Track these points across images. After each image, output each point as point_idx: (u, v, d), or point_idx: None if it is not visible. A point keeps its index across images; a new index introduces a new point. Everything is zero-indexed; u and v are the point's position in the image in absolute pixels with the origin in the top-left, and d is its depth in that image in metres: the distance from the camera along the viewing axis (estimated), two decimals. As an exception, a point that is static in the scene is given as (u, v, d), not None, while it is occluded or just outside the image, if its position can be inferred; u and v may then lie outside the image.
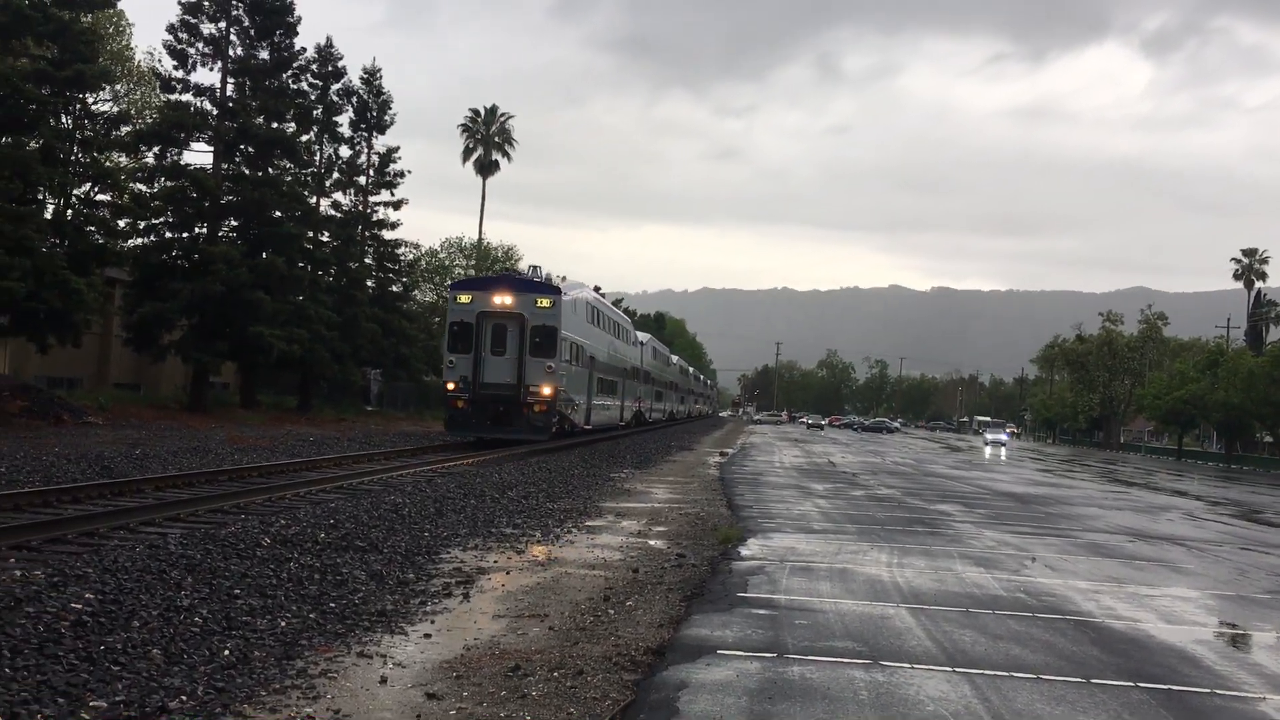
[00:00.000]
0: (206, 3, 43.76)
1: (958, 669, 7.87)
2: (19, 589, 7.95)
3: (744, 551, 13.61)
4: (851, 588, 11.24)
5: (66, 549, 10.50)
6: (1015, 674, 7.83)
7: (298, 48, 46.99)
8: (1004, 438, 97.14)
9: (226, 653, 7.12)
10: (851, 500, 22.72)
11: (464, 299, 31.44)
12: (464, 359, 30.87)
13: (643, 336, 61.58)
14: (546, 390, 30.96)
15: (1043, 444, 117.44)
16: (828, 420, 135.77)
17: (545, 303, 31.48)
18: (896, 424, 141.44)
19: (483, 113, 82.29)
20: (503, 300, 31.20)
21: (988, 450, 70.25)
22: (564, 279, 47.92)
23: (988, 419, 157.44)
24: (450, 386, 31.09)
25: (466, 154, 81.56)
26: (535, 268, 35.18)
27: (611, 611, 9.41)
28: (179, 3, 43.60)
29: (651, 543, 14.12)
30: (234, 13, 44.43)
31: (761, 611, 9.66)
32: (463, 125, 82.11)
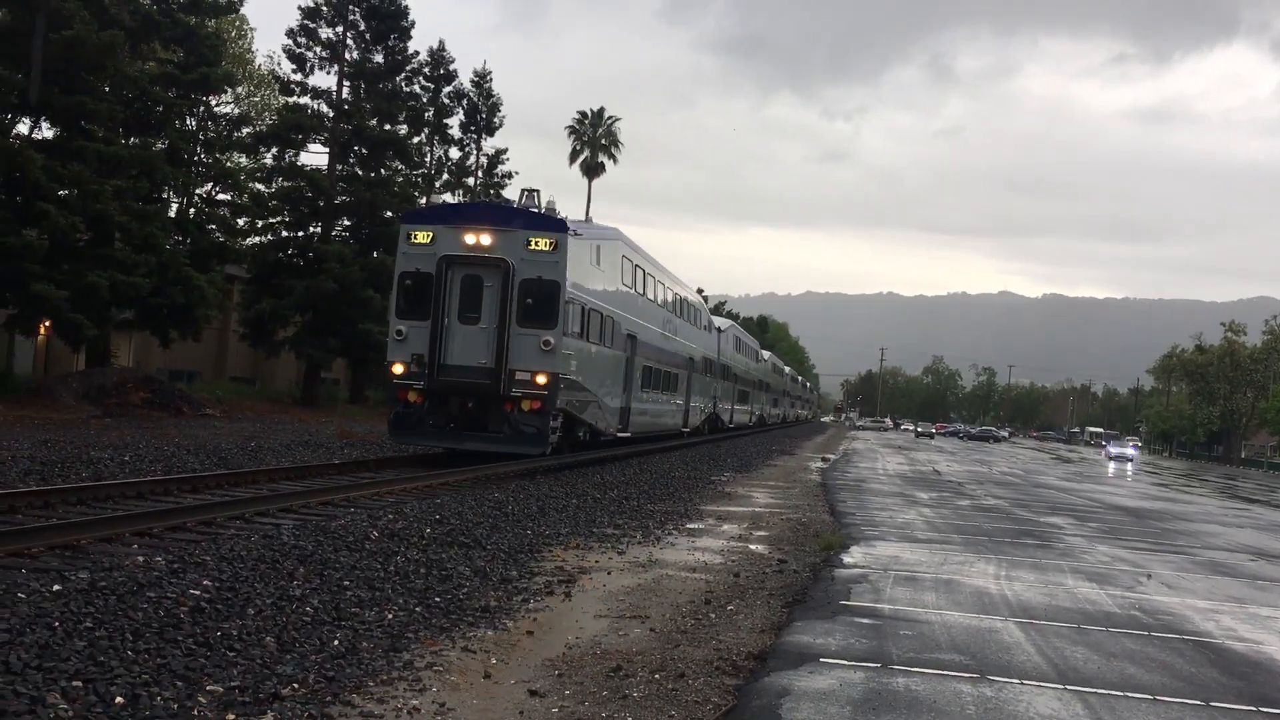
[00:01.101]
0: (324, 8, 45.00)
1: (1069, 686, 7.63)
2: (141, 574, 8.24)
3: (847, 559, 13.43)
4: (958, 599, 11.00)
5: (186, 536, 10.87)
6: (1130, 694, 7.57)
7: (411, 51, 48.07)
8: (1131, 452, 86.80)
9: (336, 643, 7.27)
10: (957, 510, 22.27)
11: (421, 237, 21.35)
12: (418, 329, 20.67)
13: (721, 322, 50.58)
14: (540, 378, 20.40)
15: (1158, 457, 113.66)
16: (935, 428, 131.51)
17: (543, 244, 20.74)
18: (1004, 433, 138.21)
19: (590, 115, 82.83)
20: (478, 239, 20.74)
21: (1111, 466, 64.67)
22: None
23: (1100, 430, 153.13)
24: (397, 370, 20.82)
25: (573, 156, 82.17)
26: (531, 192, 22.51)
27: (713, 615, 9.37)
28: (298, 8, 44.93)
29: (753, 547, 14.04)
30: (350, 18, 45.60)
31: (865, 620, 9.52)
32: (570, 128, 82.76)
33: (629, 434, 28.45)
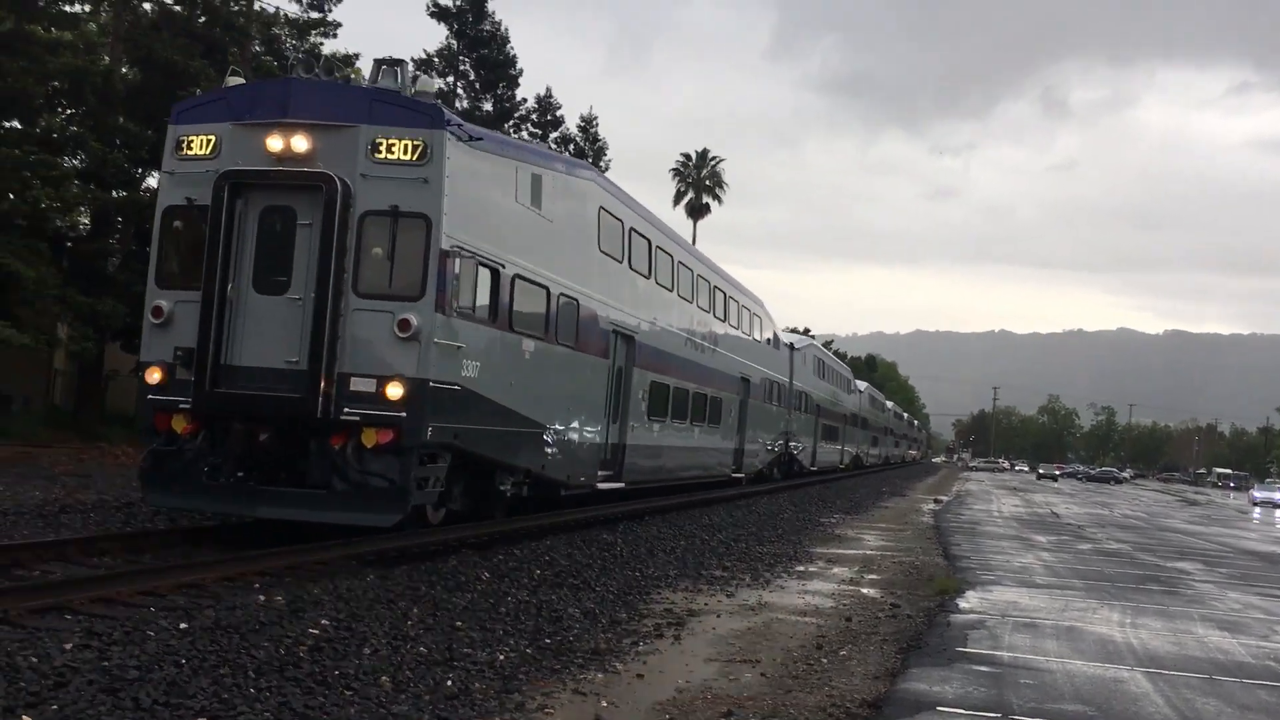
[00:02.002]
0: (436, 59, 46.34)
1: (1202, 741, 7.30)
2: (262, 614, 8.47)
3: (962, 604, 13.10)
4: (1080, 647, 10.63)
5: (304, 575, 11.11)
6: (1269, 750, 7.20)
7: (519, 98, 49.09)
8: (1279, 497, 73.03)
9: (450, 683, 7.35)
10: (1077, 554, 21.56)
11: (197, 145, 12.76)
12: (187, 305, 12.46)
13: (796, 339, 41.74)
14: (395, 387, 11.84)
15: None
16: (1055, 468, 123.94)
17: (400, 148, 12.20)
18: (1125, 474, 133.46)
19: (694, 157, 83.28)
20: (286, 143, 12.25)
21: (1257, 512, 56.43)
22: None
23: (1229, 471, 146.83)
24: (151, 378, 12.64)
25: (678, 198, 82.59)
26: (392, 64, 13.17)
27: (825, 660, 9.22)
28: (411, 59, 46.32)
29: (864, 590, 13.79)
30: (461, 68, 46.88)
31: (983, 668, 9.26)
32: (674, 169, 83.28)
33: (622, 484, 19.52)
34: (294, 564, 11.09)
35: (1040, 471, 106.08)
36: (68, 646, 7.01)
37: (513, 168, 14.63)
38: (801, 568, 15.74)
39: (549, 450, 15.88)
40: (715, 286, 26.59)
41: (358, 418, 11.90)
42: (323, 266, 11.94)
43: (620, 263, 18.91)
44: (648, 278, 20.61)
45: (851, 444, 57.54)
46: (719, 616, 11.04)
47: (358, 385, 11.99)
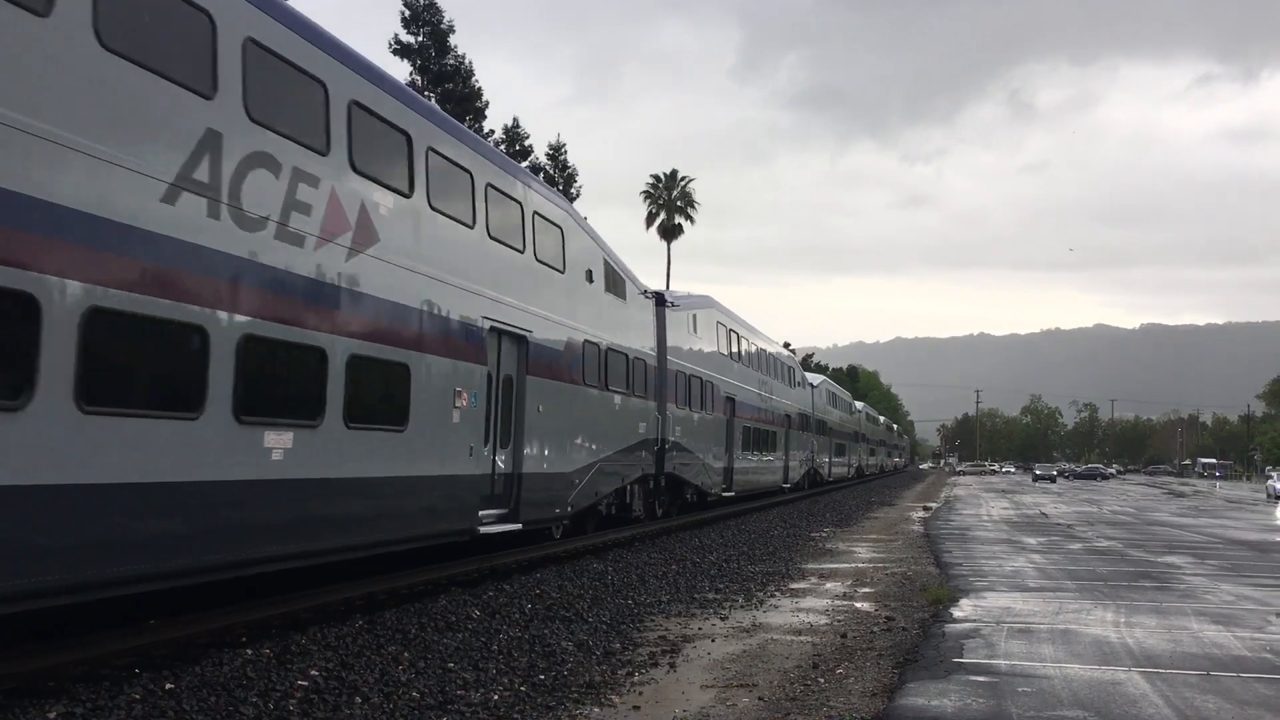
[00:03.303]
0: (401, 96, 46.39)
1: (1204, 740, 7.26)
2: (250, 668, 8.34)
3: (956, 613, 13.05)
4: (1076, 650, 10.59)
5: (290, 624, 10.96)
6: (1271, 746, 7.16)
7: (486, 130, 49.08)
8: None
9: (443, 727, 7.24)
10: (1069, 554, 21.57)
11: None
12: None
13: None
14: None
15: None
16: (1057, 471, 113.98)
17: None
18: (1111, 470, 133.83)
19: (663, 178, 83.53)
20: None
21: (1279, 511, 45.24)
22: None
23: (1214, 461, 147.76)
24: None
25: (650, 220, 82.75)
26: None
27: (821, 680, 9.15)
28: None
29: (858, 605, 13.73)
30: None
31: (980, 678, 9.20)
32: (644, 192, 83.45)
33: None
34: (282, 614, 10.93)
35: (1037, 473, 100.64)
36: (51, 715, 6.87)
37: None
38: (794, 585, 15.67)
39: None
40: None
41: None
42: None
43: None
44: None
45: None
46: (713, 640, 10.95)
47: None
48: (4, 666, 7.55)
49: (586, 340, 17.98)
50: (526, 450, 15.44)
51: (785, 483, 38.93)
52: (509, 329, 14.89)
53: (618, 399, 19.80)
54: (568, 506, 17.46)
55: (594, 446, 18.41)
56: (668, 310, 23.88)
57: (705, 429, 26.96)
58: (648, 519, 23.15)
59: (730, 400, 30.01)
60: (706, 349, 27.75)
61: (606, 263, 19.44)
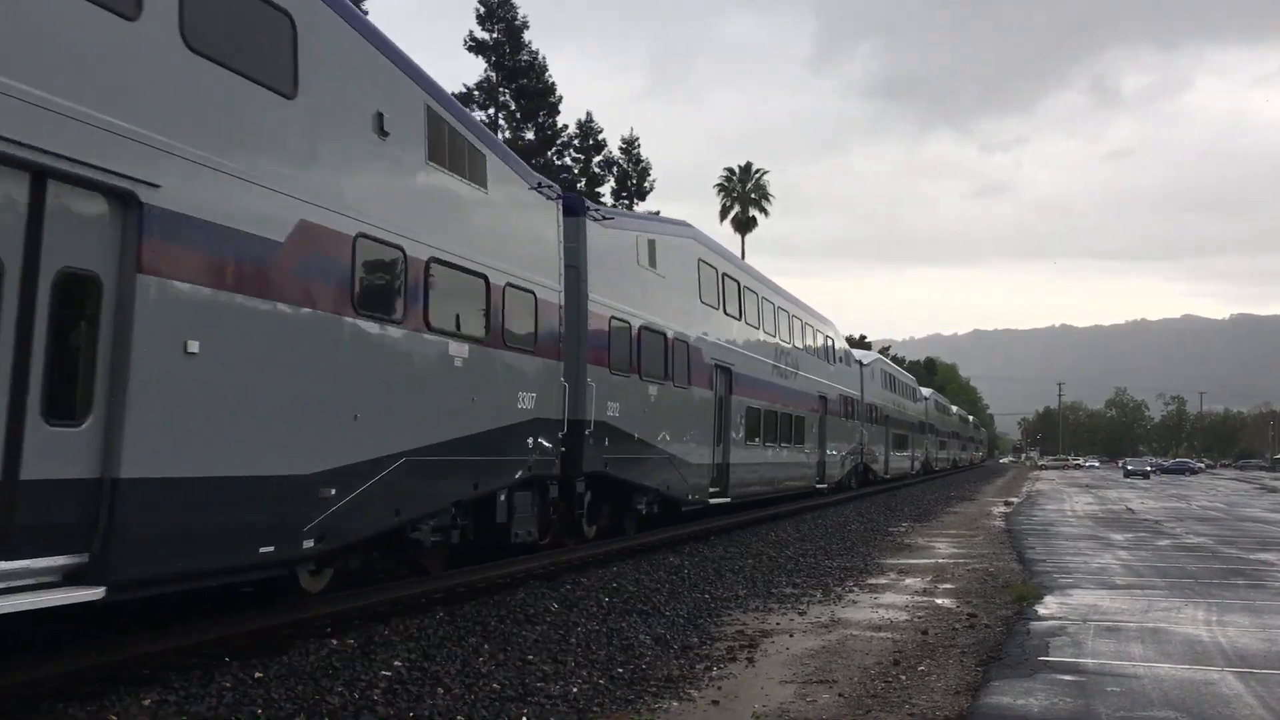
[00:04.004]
0: (476, 92, 46.82)
1: (1304, 744, 7.02)
2: (336, 659, 8.48)
3: (1041, 610, 12.80)
4: (1167, 649, 10.32)
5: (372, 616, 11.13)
6: (1375, 751, 6.90)
7: (560, 125, 49.44)
8: None
9: (524, 719, 7.30)
10: (1157, 551, 21.04)
11: None
12: None
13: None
14: None
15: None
16: (1153, 466, 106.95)
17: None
18: (1200, 464, 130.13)
19: (737, 171, 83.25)
20: None
21: None
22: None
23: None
24: None
25: (724, 213, 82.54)
26: None
27: (903, 677, 9.04)
28: (452, 94, 47.00)
29: (939, 601, 13.54)
30: (501, 99, 47.31)
31: (1067, 677, 9.01)
32: (718, 185, 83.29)
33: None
34: (362, 606, 11.10)
35: (1129, 467, 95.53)
36: (146, 702, 7.06)
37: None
38: (873, 580, 15.51)
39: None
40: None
41: None
42: None
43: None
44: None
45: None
46: (791, 636, 10.88)
47: None
48: (99, 655, 7.80)
49: (361, 234, 10.01)
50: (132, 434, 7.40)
51: (820, 482, 31.32)
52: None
53: (451, 347, 11.66)
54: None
55: (379, 431, 10.24)
56: (591, 223, 16.22)
57: (673, 408, 19.11)
58: (551, 544, 15.36)
59: (723, 370, 22.12)
60: (677, 294, 19.85)
61: (432, 112, 11.61)
